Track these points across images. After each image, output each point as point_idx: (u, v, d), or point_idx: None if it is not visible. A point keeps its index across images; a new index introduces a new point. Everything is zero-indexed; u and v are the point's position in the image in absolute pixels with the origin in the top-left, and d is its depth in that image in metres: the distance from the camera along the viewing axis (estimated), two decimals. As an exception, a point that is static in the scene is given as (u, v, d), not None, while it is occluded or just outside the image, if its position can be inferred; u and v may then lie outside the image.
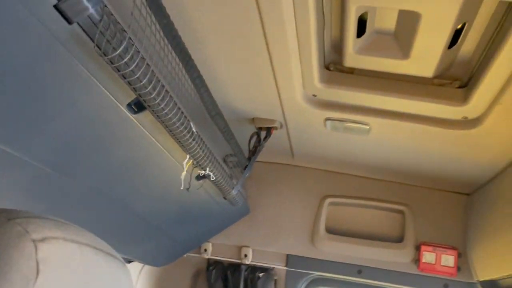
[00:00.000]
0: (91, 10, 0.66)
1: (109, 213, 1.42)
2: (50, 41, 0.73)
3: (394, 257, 2.02)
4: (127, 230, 1.61)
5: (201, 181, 1.39)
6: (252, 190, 2.17)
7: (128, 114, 1.03)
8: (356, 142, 1.79)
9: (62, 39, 0.74)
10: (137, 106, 1.01)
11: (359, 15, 1.15)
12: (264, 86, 1.42)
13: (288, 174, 2.21)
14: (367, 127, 1.62)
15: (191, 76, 1.14)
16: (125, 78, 0.81)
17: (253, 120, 1.72)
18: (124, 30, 0.76)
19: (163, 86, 0.91)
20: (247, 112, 1.65)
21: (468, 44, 1.24)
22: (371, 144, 1.79)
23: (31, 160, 0.94)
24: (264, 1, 1.01)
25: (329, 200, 2.13)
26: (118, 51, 0.73)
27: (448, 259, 1.98)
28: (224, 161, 1.48)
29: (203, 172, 1.29)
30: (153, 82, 0.86)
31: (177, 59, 1.04)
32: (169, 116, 0.98)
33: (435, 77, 1.38)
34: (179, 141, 1.10)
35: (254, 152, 1.77)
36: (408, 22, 1.15)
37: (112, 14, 0.73)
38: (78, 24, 0.70)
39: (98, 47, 0.72)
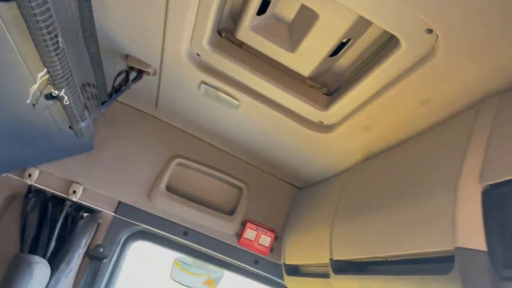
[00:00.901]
0: None
1: None
2: None
3: (221, 228, 2.13)
4: None
5: (51, 102, 1.24)
6: (102, 128, 2.03)
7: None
8: (221, 113, 1.82)
9: None
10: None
11: (266, -6, 1.17)
12: (151, 27, 1.33)
13: (145, 124, 2.13)
14: (237, 102, 1.66)
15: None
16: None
17: (127, 56, 1.60)
18: None
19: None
20: (124, 46, 1.53)
21: (346, 59, 1.36)
22: (235, 120, 1.85)
23: None
24: None
25: (178, 160, 2.13)
26: None
27: (266, 240, 2.18)
28: (82, 88, 1.34)
29: (56, 92, 1.15)
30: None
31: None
32: (36, 15, 0.84)
33: (310, 78, 1.49)
34: (40, 50, 0.96)
35: (117, 90, 1.65)
36: (306, 19, 1.21)
37: None
38: None
39: None
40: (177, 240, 2.12)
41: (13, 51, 1.02)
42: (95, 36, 1.32)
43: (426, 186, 1.13)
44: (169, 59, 1.51)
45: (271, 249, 2.19)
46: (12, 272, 1.70)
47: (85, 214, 1.96)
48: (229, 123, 1.92)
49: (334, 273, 1.53)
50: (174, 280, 2.37)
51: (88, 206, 1.99)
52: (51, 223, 1.91)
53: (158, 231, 2.07)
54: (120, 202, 2.03)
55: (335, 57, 1.35)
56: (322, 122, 1.61)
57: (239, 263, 2.18)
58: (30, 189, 1.92)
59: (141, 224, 2.05)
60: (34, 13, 0.83)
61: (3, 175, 1.90)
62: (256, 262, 2.18)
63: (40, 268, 1.75)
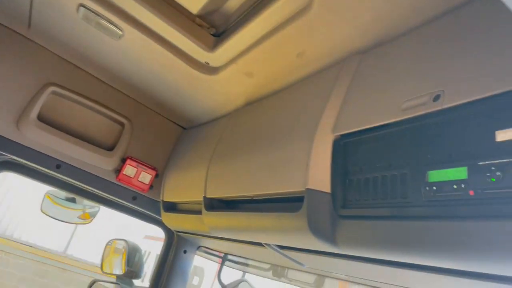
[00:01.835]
0: None
1: None
2: None
3: (98, 163, 2.06)
4: None
5: None
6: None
7: None
8: (103, 43, 1.71)
9: None
10: None
11: None
12: None
13: (16, 45, 1.89)
14: (120, 32, 1.56)
15: None
16: None
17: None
18: None
19: None
20: None
21: (234, 0, 1.36)
22: (118, 51, 1.75)
23: None
24: None
25: (52, 88, 1.96)
26: None
27: (146, 177, 2.18)
28: None
29: None
30: None
31: None
32: None
33: (198, 16, 1.46)
34: None
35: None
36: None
37: None
38: None
39: None
40: (49, 173, 2.00)
41: None
42: None
43: (289, 134, 1.22)
44: None
45: (151, 186, 2.20)
46: None
47: None
48: (112, 54, 1.81)
49: (206, 210, 1.60)
50: (46, 214, 2.26)
51: None
52: None
53: (27, 162, 1.93)
54: None
55: (224, -4, 1.34)
56: (208, 63, 1.61)
57: (116, 199, 2.15)
58: None
59: (6, 154, 1.89)
60: None
61: None
62: (134, 198, 2.18)
63: None
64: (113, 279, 2.44)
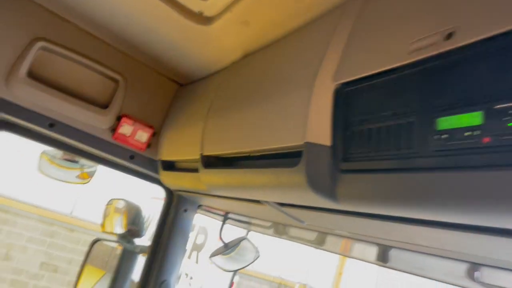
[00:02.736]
0: None
1: None
2: None
3: (93, 121, 2.00)
4: None
5: None
6: None
7: None
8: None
9: None
10: None
11: None
12: None
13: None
14: (106, -21, 1.46)
15: None
16: None
17: None
18: None
19: None
20: None
21: None
22: (108, 3, 1.64)
23: None
24: None
25: (42, 43, 1.87)
26: None
27: (143, 135, 2.12)
28: None
29: None
30: None
31: None
32: None
33: None
34: None
35: None
36: None
37: None
38: None
39: None
40: (42, 132, 1.95)
41: None
42: None
43: (287, 85, 1.14)
44: None
45: (149, 145, 2.14)
46: None
47: None
48: (102, 6, 1.70)
49: (204, 167, 1.55)
50: (43, 173, 2.23)
51: None
52: None
53: (18, 120, 1.87)
54: None
55: None
56: (201, 12, 1.51)
57: (113, 158, 2.10)
58: None
59: (-3, 113, 1.82)
60: None
61: None
62: (132, 157, 2.13)
63: None
64: (115, 238, 2.45)
